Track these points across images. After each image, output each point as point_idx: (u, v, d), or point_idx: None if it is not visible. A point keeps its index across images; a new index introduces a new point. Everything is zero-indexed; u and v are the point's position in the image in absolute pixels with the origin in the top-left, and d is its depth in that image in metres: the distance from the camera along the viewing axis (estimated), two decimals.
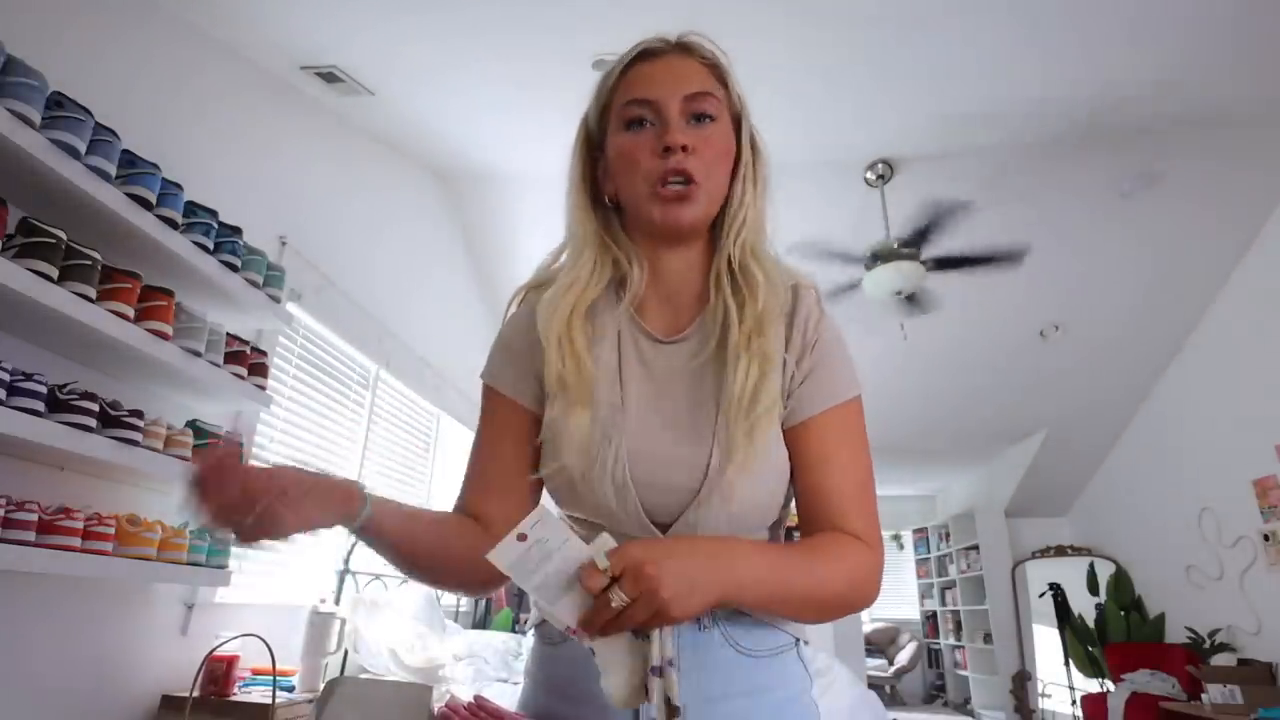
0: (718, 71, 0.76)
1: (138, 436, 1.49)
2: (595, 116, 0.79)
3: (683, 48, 0.77)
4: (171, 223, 1.58)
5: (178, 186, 1.61)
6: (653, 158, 0.71)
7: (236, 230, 1.81)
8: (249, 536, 0.57)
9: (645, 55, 0.76)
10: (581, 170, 0.80)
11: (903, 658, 7.93)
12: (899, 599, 8.69)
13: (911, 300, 3.56)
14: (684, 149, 0.70)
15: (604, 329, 0.77)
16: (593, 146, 0.80)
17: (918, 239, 3.27)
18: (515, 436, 0.77)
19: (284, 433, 2.44)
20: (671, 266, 0.78)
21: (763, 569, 0.63)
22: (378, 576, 2.78)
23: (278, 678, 1.86)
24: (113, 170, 1.44)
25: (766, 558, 0.65)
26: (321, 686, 2.05)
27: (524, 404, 0.77)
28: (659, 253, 0.78)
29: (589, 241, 0.78)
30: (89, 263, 1.38)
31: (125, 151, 1.49)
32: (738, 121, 0.77)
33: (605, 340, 0.77)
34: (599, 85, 0.79)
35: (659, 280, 0.79)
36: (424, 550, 0.70)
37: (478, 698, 0.70)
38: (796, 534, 0.75)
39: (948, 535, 7.75)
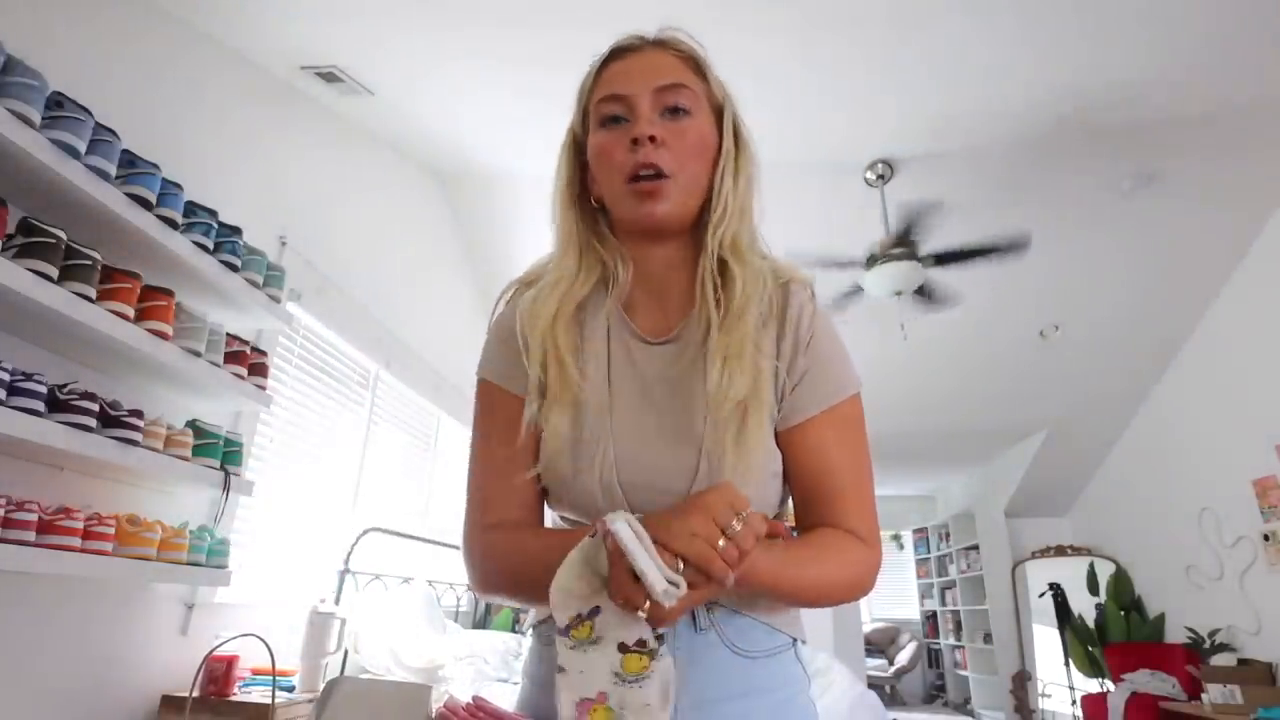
0: (695, 64, 0.75)
1: (138, 436, 1.49)
2: (579, 119, 0.79)
3: (658, 43, 0.76)
4: (171, 223, 1.58)
5: (178, 186, 1.61)
6: (625, 152, 0.71)
7: (236, 230, 1.81)
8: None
9: (619, 52, 0.76)
10: (568, 173, 0.79)
11: (903, 658, 7.93)
12: (899, 599, 8.69)
13: (921, 293, 3.55)
14: (652, 140, 0.69)
15: (594, 329, 0.76)
16: (580, 150, 0.79)
17: (902, 241, 3.28)
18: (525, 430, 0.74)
19: (284, 433, 2.44)
20: (656, 265, 0.77)
21: (777, 550, 0.64)
22: (378, 576, 2.78)
23: (278, 678, 1.86)
24: (113, 170, 1.44)
25: (781, 552, 0.66)
26: (321, 686, 2.05)
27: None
28: (643, 251, 0.77)
29: (573, 241, 0.77)
30: (89, 263, 1.38)
31: (125, 151, 1.49)
32: (720, 114, 0.76)
33: (595, 340, 0.76)
34: (579, 87, 0.78)
35: (646, 279, 0.78)
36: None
37: (476, 698, 0.70)
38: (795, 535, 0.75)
39: (948, 535, 7.76)
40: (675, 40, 0.76)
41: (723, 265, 0.73)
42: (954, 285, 3.60)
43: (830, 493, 0.71)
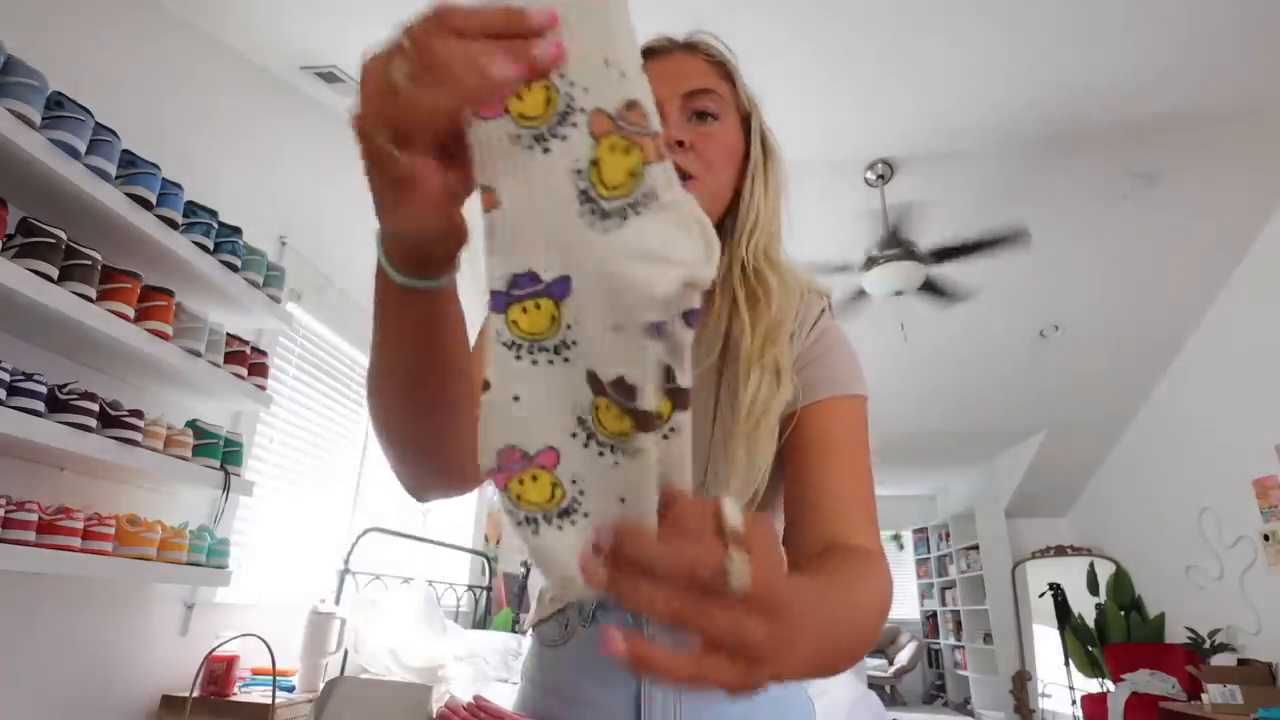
0: (724, 69, 0.75)
1: (138, 436, 1.49)
2: None
3: (688, 46, 0.75)
4: (171, 223, 1.58)
5: (178, 186, 1.61)
6: None
7: (236, 230, 1.81)
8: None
9: (648, 54, 0.75)
10: None
11: (903, 658, 7.93)
12: (899, 599, 8.57)
13: (932, 290, 3.55)
14: (680, 144, 0.68)
15: None
16: None
17: (895, 241, 3.29)
18: None
19: (284, 433, 2.44)
20: None
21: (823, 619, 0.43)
22: (378, 576, 2.78)
23: (278, 678, 1.86)
24: (113, 170, 1.44)
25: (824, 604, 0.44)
26: (321, 686, 2.05)
27: None
28: None
29: None
30: (89, 263, 1.38)
31: (125, 151, 1.49)
32: (748, 121, 0.75)
33: None
34: None
35: None
36: (451, 365, 0.49)
37: (477, 698, 0.70)
38: None
39: (948, 535, 7.76)
40: (705, 45, 0.75)
41: (756, 273, 0.71)
42: (963, 279, 3.58)
43: (835, 495, 0.64)
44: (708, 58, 0.74)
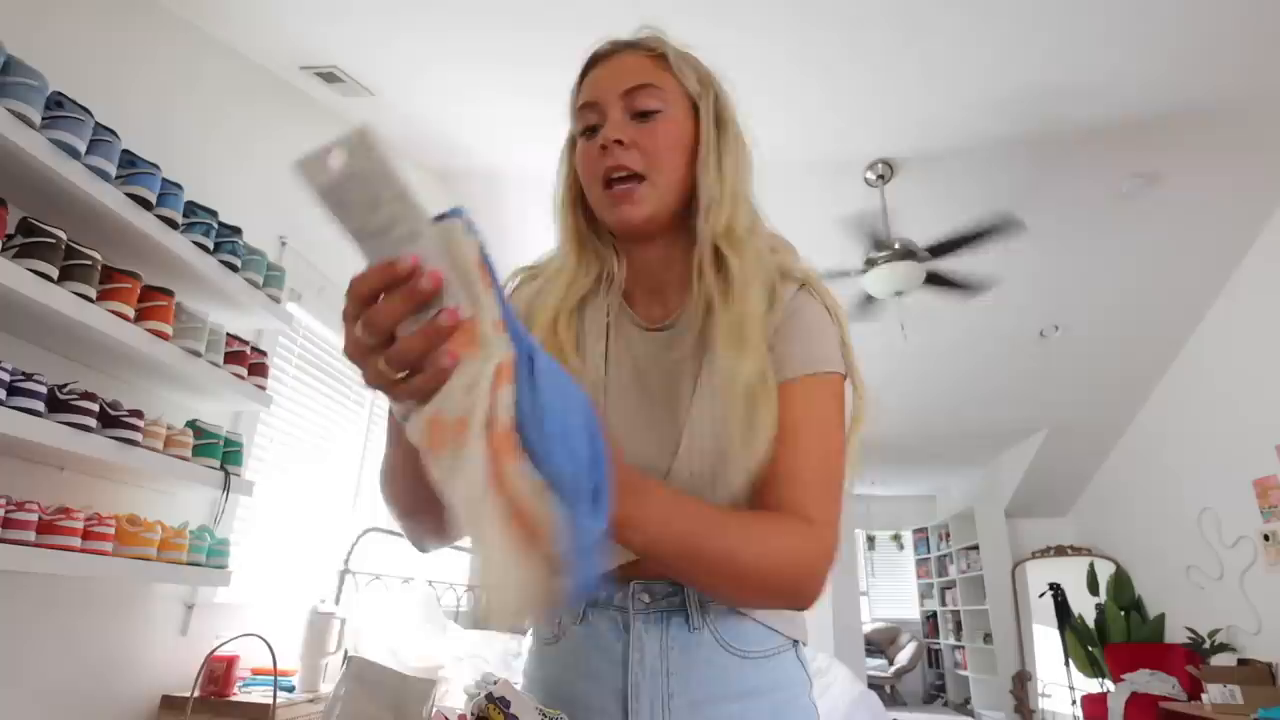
0: (665, 61, 0.75)
1: (138, 436, 1.48)
2: (574, 125, 0.80)
3: (629, 45, 0.76)
4: (171, 223, 1.58)
5: (178, 186, 1.61)
6: (599, 158, 0.71)
7: (236, 230, 1.81)
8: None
9: (595, 60, 0.77)
10: (566, 175, 0.81)
11: (903, 658, 7.94)
12: (899, 599, 8.70)
13: (951, 284, 3.55)
14: (619, 143, 0.70)
15: (595, 320, 0.78)
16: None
17: (884, 244, 3.30)
18: None
19: (284, 433, 2.44)
20: (649, 261, 0.79)
21: (674, 512, 0.57)
22: (378, 576, 2.78)
23: (278, 678, 1.86)
24: (113, 170, 1.44)
25: (684, 505, 0.59)
26: (321, 687, 2.05)
27: None
28: (633, 249, 0.79)
29: (572, 240, 0.79)
30: (89, 263, 1.38)
31: (125, 151, 1.49)
32: (697, 108, 0.75)
33: (596, 329, 0.78)
34: (570, 96, 0.80)
35: (643, 274, 0.79)
36: None
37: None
38: None
39: (948, 535, 7.76)
40: (646, 40, 0.77)
41: (718, 256, 0.72)
42: (975, 271, 3.56)
43: (787, 474, 0.64)
44: (649, 52, 0.75)
